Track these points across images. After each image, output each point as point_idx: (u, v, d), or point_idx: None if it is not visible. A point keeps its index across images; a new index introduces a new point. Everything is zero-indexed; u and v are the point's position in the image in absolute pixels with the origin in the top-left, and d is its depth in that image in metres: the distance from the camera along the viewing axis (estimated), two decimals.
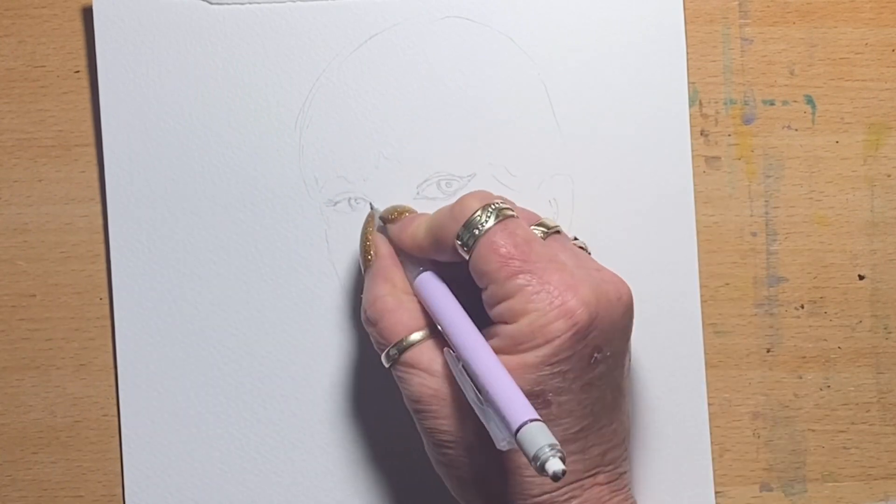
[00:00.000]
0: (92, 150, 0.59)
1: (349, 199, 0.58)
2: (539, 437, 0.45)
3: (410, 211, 0.55)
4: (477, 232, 0.49)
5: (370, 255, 0.54)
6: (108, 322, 0.59)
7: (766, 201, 0.59)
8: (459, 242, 0.50)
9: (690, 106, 0.58)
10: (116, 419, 0.59)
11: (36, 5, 0.59)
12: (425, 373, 0.50)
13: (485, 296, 0.50)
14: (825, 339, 0.59)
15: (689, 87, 0.58)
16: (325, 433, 0.58)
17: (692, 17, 0.58)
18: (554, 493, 0.49)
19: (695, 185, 0.58)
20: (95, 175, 0.59)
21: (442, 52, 0.58)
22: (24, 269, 0.59)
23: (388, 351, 0.51)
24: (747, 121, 0.58)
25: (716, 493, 0.58)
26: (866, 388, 0.59)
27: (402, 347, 0.51)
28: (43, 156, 0.59)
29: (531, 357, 0.48)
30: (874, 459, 0.59)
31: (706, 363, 0.58)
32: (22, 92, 0.59)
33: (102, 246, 0.59)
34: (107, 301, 0.59)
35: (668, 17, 0.58)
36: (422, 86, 0.58)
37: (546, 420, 0.46)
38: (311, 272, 0.58)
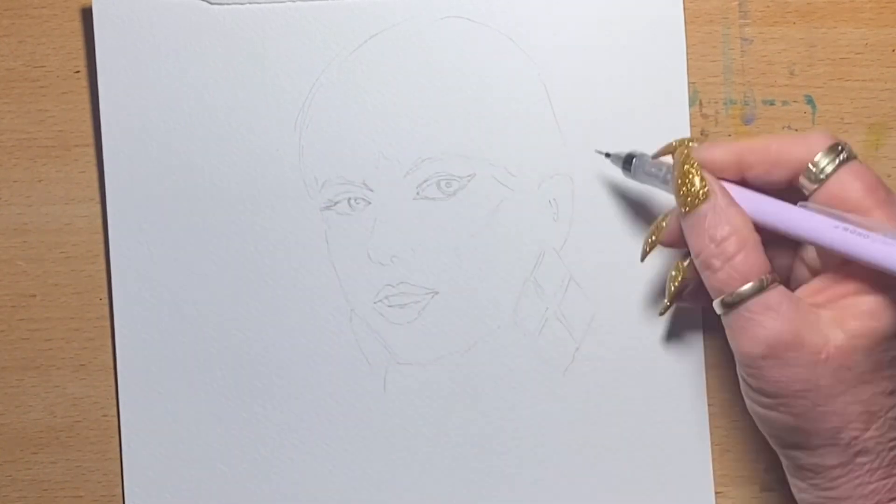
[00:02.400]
0: (92, 150, 0.59)
1: (349, 199, 0.58)
2: None
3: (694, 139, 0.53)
4: (840, 159, 0.49)
5: (702, 190, 0.50)
6: (108, 322, 0.59)
7: None
8: (813, 170, 0.49)
9: (690, 106, 0.58)
10: (116, 419, 0.59)
11: (36, 5, 0.59)
12: (783, 316, 0.48)
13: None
14: None
15: (689, 87, 0.58)
16: (324, 433, 0.58)
17: (692, 17, 0.58)
18: None
19: None
20: (95, 175, 0.59)
21: (442, 52, 0.58)
22: (24, 269, 0.59)
23: (739, 292, 0.49)
24: (747, 121, 0.58)
25: (716, 493, 0.58)
26: None
27: (756, 288, 0.49)
28: (43, 156, 0.59)
29: None
30: None
31: (706, 363, 0.58)
32: (22, 92, 0.59)
33: (102, 246, 0.59)
34: (107, 301, 0.59)
35: (668, 17, 0.58)
36: (422, 86, 0.58)
37: None
38: (310, 272, 0.58)
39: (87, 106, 0.59)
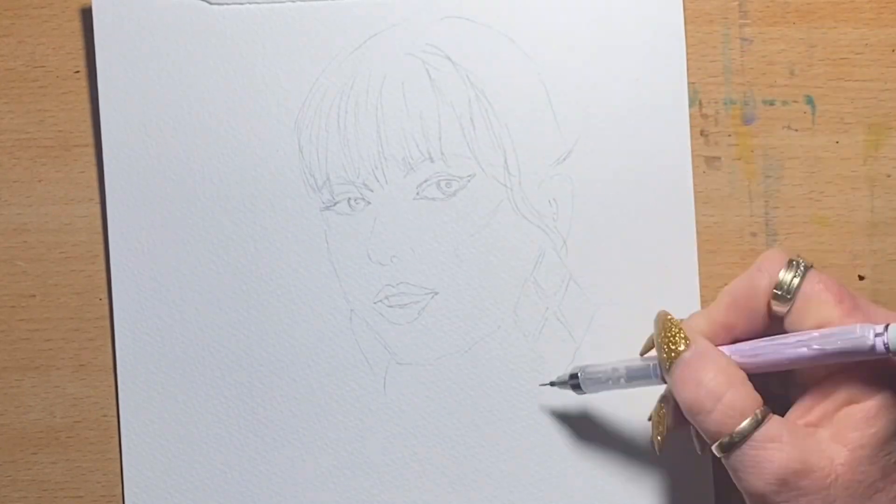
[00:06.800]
0: (92, 150, 0.59)
1: (349, 199, 0.58)
2: None
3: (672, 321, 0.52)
4: (796, 278, 0.50)
5: (683, 342, 0.51)
6: (108, 322, 0.59)
7: (765, 201, 0.59)
8: (779, 293, 0.50)
9: (690, 106, 0.58)
10: (116, 419, 0.59)
11: (36, 5, 0.59)
12: (787, 446, 0.48)
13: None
14: None
15: (689, 87, 0.58)
16: (324, 433, 0.58)
17: (692, 17, 0.58)
18: None
19: (695, 185, 0.58)
20: (95, 175, 0.59)
21: (442, 52, 0.58)
22: (24, 269, 0.59)
23: (738, 430, 0.48)
24: (747, 121, 0.58)
25: (716, 493, 0.58)
26: None
27: (754, 424, 0.48)
28: (43, 156, 0.59)
29: (891, 396, 0.48)
30: None
31: None
32: (22, 92, 0.59)
33: (102, 246, 0.59)
34: (106, 301, 0.59)
35: (668, 17, 0.58)
36: (421, 86, 0.58)
37: None
38: (310, 272, 0.58)
39: (87, 106, 0.59)
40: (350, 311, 0.58)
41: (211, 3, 0.58)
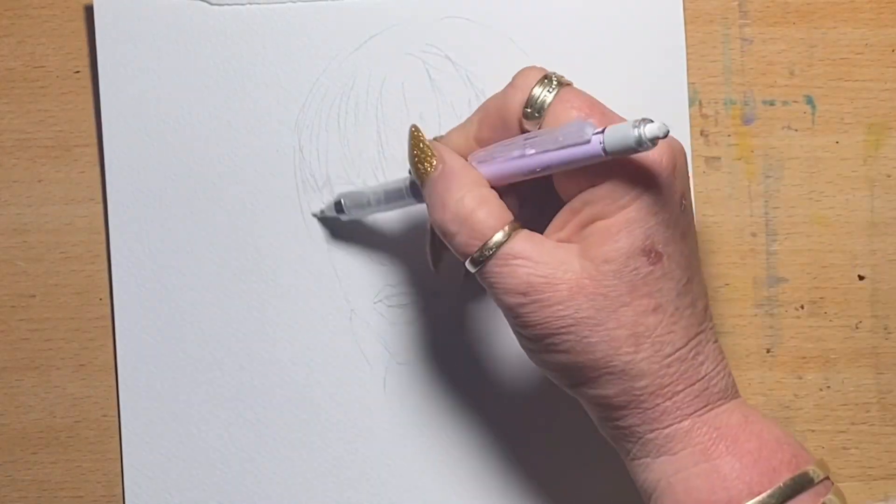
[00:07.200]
0: (92, 150, 0.59)
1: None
2: (619, 129, 0.45)
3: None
4: (548, 95, 0.49)
5: (430, 160, 0.50)
6: (108, 322, 0.59)
7: (765, 201, 0.59)
8: (529, 110, 0.49)
9: (690, 106, 0.58)
10: (116, 419, 0.59)
11: (36, 5, 0.59)
12: (530, 261, 0.48)
13: None
14: (825, 340, 0.59)
15: (689, 87, 0.58)
16: (324, 433, 0.58)
17: (692, 17, 0.58)
18: (682, 350, 0.48)
19: (695, 185, 0.58)
20: (95, 175, 0.59)
21: (442, 52, 0.58)
22: (24, 269, 0.59)
23: (483, 249, 0.48)
24: (747, 121, 0.58)
25: None
26: (866, 388, 0.59)
27: (499, 242, 0.48)
28: (43, 156, 0.59)
29: (634, 211, 0.47)
30: (874, 459, 0.59)
31: None
32: (22, 92, 0.59)
33: (102, 246, 0.59)
34: (107, 301, 0.59)
35: (668, 17, 0.58)
36: (421, 86, 0.58)
37: (661, 275, 0.47)
38: (310, 273, 0.58)
39: (87, 106, 0.59)
40: (350, 311, 0.58)
41: (211, 4, 0.58)
